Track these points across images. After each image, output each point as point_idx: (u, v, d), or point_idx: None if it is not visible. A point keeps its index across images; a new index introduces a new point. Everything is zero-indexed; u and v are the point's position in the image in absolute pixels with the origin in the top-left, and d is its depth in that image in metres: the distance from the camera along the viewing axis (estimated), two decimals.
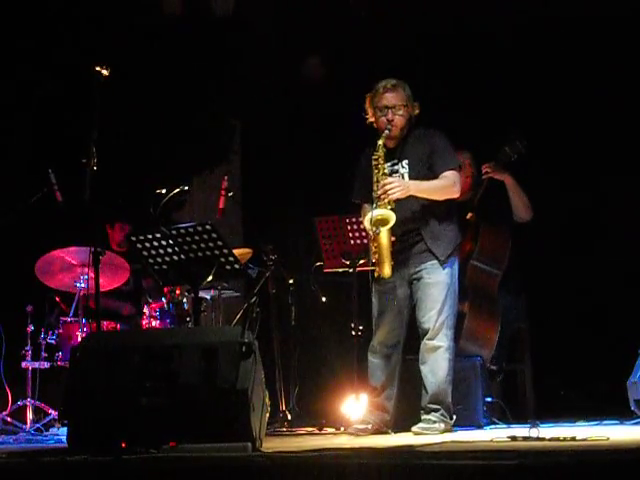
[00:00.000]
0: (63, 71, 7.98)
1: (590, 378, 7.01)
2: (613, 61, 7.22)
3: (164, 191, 6.71)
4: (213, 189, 7.88)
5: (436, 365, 5.72)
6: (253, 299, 7.19)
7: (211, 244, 5.69)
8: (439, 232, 5.82)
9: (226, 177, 7.24)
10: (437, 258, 5.77)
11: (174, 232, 5.71)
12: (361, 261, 6.50)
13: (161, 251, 5.76)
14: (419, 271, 5.80)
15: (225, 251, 5.73)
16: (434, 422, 5.65)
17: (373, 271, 5.83)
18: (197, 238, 5.68)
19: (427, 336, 5.74)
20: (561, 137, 7.31)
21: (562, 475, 3.40)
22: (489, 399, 6.29)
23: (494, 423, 6.22)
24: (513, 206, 6.75)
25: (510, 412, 6.35)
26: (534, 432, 4.69)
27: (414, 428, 5.64)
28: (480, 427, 6.02)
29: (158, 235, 5.73)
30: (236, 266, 5.82)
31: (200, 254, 5.72)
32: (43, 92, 8.11)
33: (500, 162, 6.72)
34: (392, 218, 5.60)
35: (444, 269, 5.78)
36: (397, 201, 5.68)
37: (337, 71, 8.09)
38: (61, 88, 8.04)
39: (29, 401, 6.72)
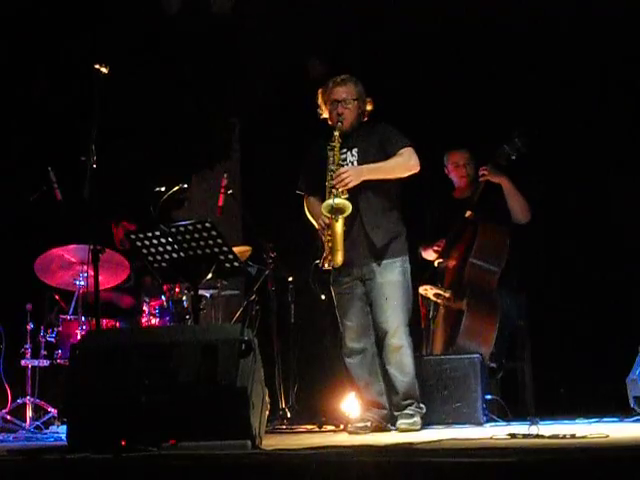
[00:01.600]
0: (63, 69, 7.98)
1: (589, 375, 7.01)
2: (615, 60, 7.23)
3: (163, 189, 6.73)
4: (212, 187, 7.88)
5: (401, 364, 5.78)
6: (252, 297, 7.20)
7: (210, 242, 5.69)
8: (379, 222, 5.83)
9: (225, 175, 7.26)
10: (382, 256, 5.79)
11: (173, 230, 5.71)
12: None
13: (160, 249, 5.76)
14: (370, 271, 5.83)
15: (225, 249, 5.73)
16: (412, 416, 5.71)
17: (329, 274, 5.88)
18: (196, 236, 5.69)
19: (388, 337, 5.78)
20: (562, 135, 7.32)
21: (562, 473, 3.40)
22: (488, 397, 6.29)
23: (493, 421, 6.22)
24: (510, 209, 6.75)
25: (509, 410, 6.35)
26: (533, 430, 4.70)
27: (399, 426, 5.68)
28: (479, 425, 6.02)
29: (157, 233, 5.73)
30: (235, 264, 5.82)
31: (199, 252, 5.72)
32: (43, 90, 8.11)
33: (500, 160, 6.71)
34: (349, 207, 5.63)
35: (395, 268, 5.81)
36: (350, 190, 5.69)
37: (336, 69, 8.07)
38: (61, 86, 8.04)
39: (29, 399, 6.72)
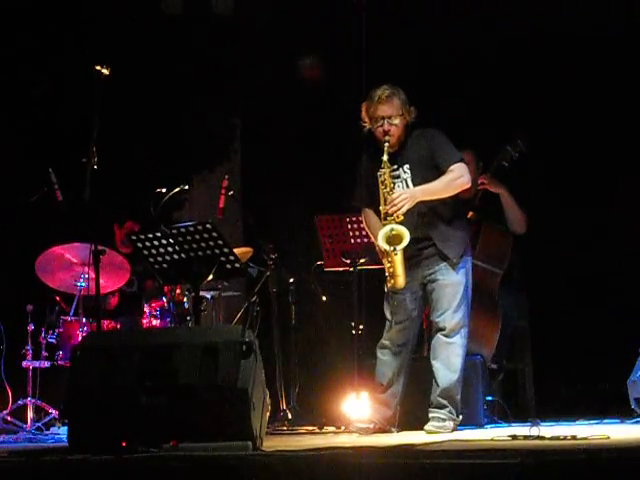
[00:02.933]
0: (64, 70, 7.98)
1: (590, 377, 7.01)
2: (615, 68, 7.24)
3: (164, 190, 6.73)
4: (213, 188, 7.87)
5: (448, 361, 5.74)
6: (253, 298, 7.19)
7: (211, 243, 5.69)
8: (449, 234, 5.82)
9: (226, 176, 7.25)
10: (449, 260, 5.78)
11: (174, 231, 5.71)
12: (362, 260, 6.51)
13: (161, 250, 5.76)
14: (432, 273, 5.80)
15: (225, 250, 5.73)
16: (444, 420, 5.66)
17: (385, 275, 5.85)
18: (197, 237, 5.69)
19: (442, 332, 5.76)
20: (564, 138, 7.31)
21: (563, 474, 3.40)
22: (490, 398, 6.29)
23: (495, 422, 6.22)
24: (507, 219, 6.74)
25: (511, 411, 6.34)
26: (535, 431, 4.70)
27: (427, 427, 5.64)
28: (481, 426, 6.02)
29: (158, 234, 5.73)
30: (236, 265, 5.82)
31: (200, 253, 5.72)
32: (44, 91, 8.11)
33: (502, 161, 6.71)
34: (406, 235, 5.59)
35: (458, 270, 5.80)
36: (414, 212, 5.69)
37: (337, 69, 8.08)
38: (62, 87, 8.04)
39: (29, 400, 6.71)
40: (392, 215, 5.63)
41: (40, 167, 6.99)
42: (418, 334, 6.03)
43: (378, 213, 5.79)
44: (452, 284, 5.78)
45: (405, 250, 5.66)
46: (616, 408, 6.16)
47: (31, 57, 8.04)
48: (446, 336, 5.74)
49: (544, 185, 7.20)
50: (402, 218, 5.63)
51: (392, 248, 5.60)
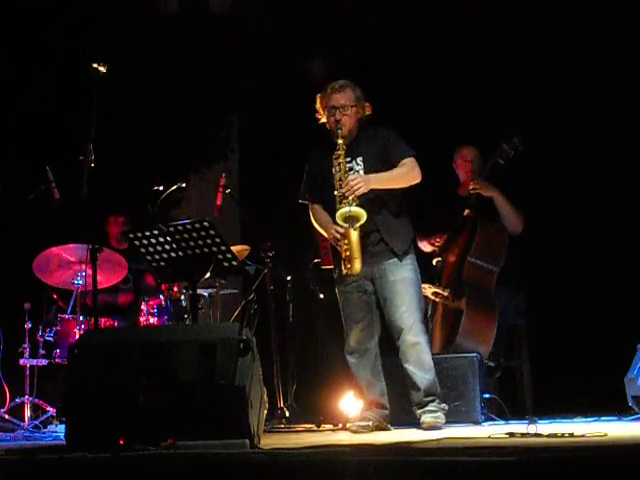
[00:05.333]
0: (61, 68, 7.98)
1: (588, 374, 7.01)
2: (614, 62, 7.24)
3: (162, 188, 6.73)
4: (211, 186, 7.87)
5: (420, 360, 5.75)
6: (251, 296, 7.20)
7: (209, 241, 5.70)
8: (395, 227, 5.85)
9: (224, 174, 7.25)
10: (396, 255, 5.79)
11: (171, 229, 5.71)
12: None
13: (159, 248, 5.77)
14: (383, 270, 5.81)
15: (223, 248, 5.73)
16: (435, 411, 5.69)
17: (335, 271, 5.88)
18: (195, 235, 5.69)
19: (403, 334, 5.76)
20: (560, 135, 7.31)
21: (560, 471, 3.40)
22: (487, 395, 6.29)
23: (492, 419, 6.22)
24: (502, 221, 6.75)
25: (508, 408, 6.35)
26: (532, 428, 4.70)
27: (424, 420, 5.65)
28: (478, 424, 6.02)
29: (155, 232, 5.74)
30: (234, 263, 5.82)
31: (198, 251, 5.72)
32: (41, 89, 8.11)
33: (498, 158, 6.72)
34: (364, 215, 5.63)
35: (406, 265, 5.81)
36: (362, 199, 5.69)
37: (335, 68, 8.07)
38: (59, 85, 8.04)
39: (27, 398, 6.71)
40: (347, 197, 5.65)
41: (37, 165, 6.98)
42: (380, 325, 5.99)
43: (326, 210, 5.84)
44: (402, 280, 5.78)
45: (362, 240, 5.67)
46: (613, 406, 6.16)
47: (27, 55, 8.03)
48: (408, 336, 5.74)
49: (540, 183, 7.20)
50: (357, 202, 5.65)
51: (350, 225, 5.61)
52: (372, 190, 5.72)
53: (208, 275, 5.83)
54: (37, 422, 6.69)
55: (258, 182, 8.46)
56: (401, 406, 5.91)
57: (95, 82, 5.80)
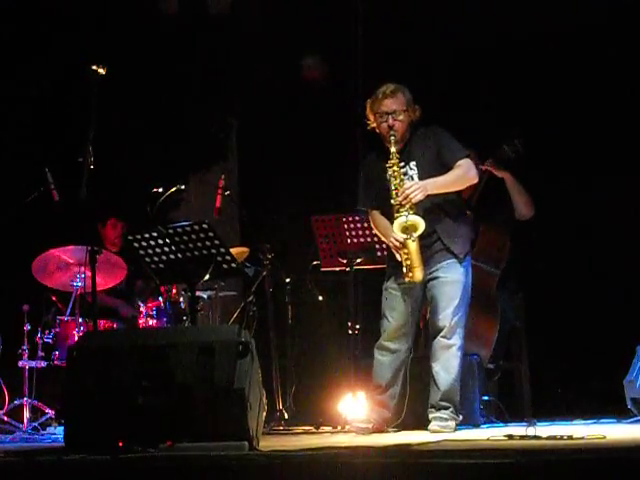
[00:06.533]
0: (60, 70, 7.98)
1: (587, 377, 7.01)
2: (613, 61, 7.24)
3: (161, 190, 6.72)
4: (210, 188, 7.86)
5: (448, 363, 5.71)
6: (250, 298, 7.20)
7: (208, 243, 5.70)
8: (455, 230, 5.82)
9: (223, 176, 7.25)
10: (455, 256, 5.77)
11: (171, 231, 5.71)
12: (358, 260, 6.51)
13: (158, 250, 5.77)
14: (435, 270, 5.78)
15: (222, 250, 5.73)
16: (447, 420, 5.64)
17: (387, 267, 5.86)
18: (194, 237, 5.69)
19: (441, 334, 5.72)
20: (560, 136, 7.31)
21: (559, 474, 3.40)
22: (486, 398, 6.29)
23: (491, 422, 6.22)
24: (514, 204, 6.73)
25: (507, 411, 6.35)
26: (531, 431, 4.70)
27: (431, 427, 5.62)
28: (477, 426, 6.02)
29: (155, 234, 5.73)
30: (233, 265, 5.82)
31: (197, 253, 5.72)
32: (40, 91, 8.11)
33: (498, 160, 6.72)
34: (422, 224, 5.60)
35: (461, 267, 5.78)
36: (421, 207, 5.67)
37: (334, 68, 8.09)
38: (58, 87, 8.04)
39: (26, 400, 6.70)
40: (405, 206, 5.61)
41: (36, 167, 6.98)
42: (416, 333, 6.01)
43: (384, 214, 5.80)
44: (453, 282, 5.75)
45: (424, 247, 5.66)
46: (612, 408, 6.16)
47: (27, 56, 8.03)
48: (445, 338, 5.71)
49: (540, 185, 7.20)
50: (414, 209, 5.62)
51: (409, 235, 5.59)
52: (428, 196, 5.68)
53: (207, 277, 5.83)
54: (36, 424, 6.68)
55: (257, 184, 8.46)
56: (410, 408, 5.89)
57: (94, 84, 5.80)
